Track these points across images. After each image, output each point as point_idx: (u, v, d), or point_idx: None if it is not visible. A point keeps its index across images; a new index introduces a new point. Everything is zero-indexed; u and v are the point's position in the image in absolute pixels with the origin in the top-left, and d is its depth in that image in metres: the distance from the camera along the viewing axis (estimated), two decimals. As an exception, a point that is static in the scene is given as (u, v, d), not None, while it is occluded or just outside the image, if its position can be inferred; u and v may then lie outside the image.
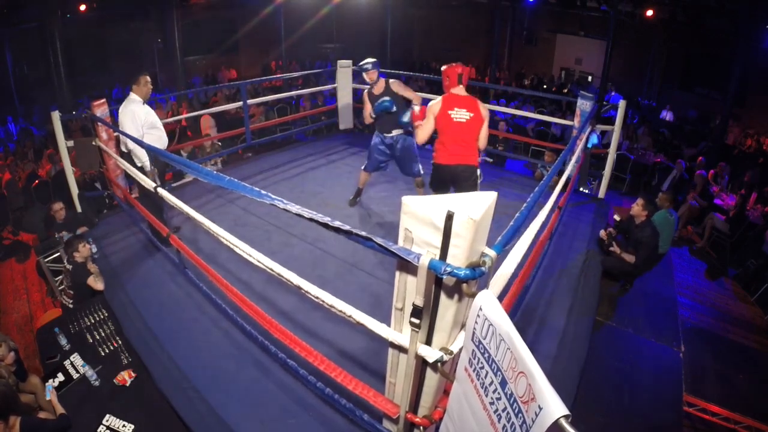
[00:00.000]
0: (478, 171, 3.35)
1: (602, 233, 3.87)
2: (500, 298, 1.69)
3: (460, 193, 3.13)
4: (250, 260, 2.05)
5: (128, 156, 3.51)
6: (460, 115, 3.12)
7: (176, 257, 3.25)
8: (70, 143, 4.24)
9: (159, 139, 3.59)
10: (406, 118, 3.68)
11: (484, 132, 3.21)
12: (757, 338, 4.26)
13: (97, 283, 3.22)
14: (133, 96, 3.48)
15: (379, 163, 4.22)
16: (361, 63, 3.97)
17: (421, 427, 1.67)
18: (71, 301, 3.39)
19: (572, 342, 2.80)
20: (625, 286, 3.87)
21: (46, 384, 2.52)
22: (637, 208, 3.72)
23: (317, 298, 1.71)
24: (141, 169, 3.41)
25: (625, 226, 3.87)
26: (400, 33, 13.27)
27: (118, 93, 11.27)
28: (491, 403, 1.22)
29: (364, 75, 3.98)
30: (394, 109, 3.79)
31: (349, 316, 1.63)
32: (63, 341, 2.86)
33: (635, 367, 3.12)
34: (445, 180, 3.36)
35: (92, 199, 4.77)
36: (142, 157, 3.44)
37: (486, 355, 1.24)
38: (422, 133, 3.27)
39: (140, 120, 3.41)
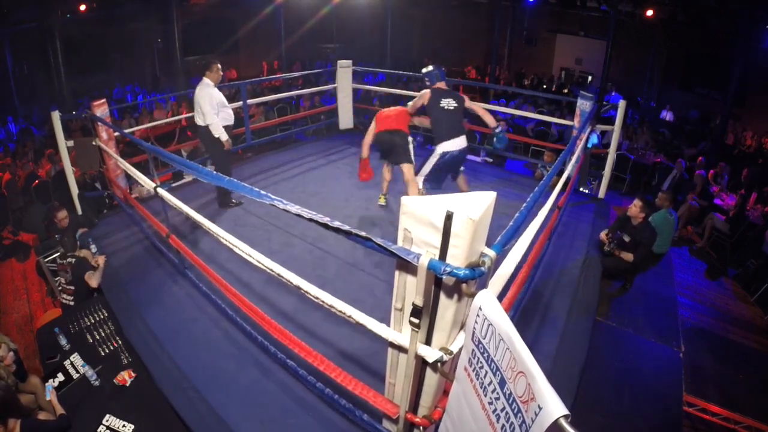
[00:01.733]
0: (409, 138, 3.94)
1: (602, 235, 3.86)
2: (500, 297, 1.69)
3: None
4: (250, 260, 2.05)
5: (206, 129, 4.09)
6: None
7: (176, 257, 3.25)
8: (70, 143, 4.24)
9: (229, 116, 4.25)
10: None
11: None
12: (757, 338, 4.25)
13: (92, 279, 3.22)
14: (206, 81, 4.05)
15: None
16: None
17: (421, 427, 1.67)
18: (71, 298, 3.39)
19: (572, 342, 2.80)
20: (625, 285, 3.87)
21: (46, 384, 2.52)
22: (635, 209, 3.69)
23: (317, 298, 1.71)
24: (218, 140, 4.10)
25: (620, 226, 3.85)
26: (400, 33, 13.26)
27: (118, 93, 11.27)
28: (490, 403, 1.22)
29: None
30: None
31: (349, 317, 1.63)
32: (63, 341, 2.86)
33: (635, 367, 3.12)
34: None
35: (92, 199, 4.76)
36: (219, 129, 4.07)
37: (485, 354, 1.24)
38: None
39: (215, 100, 4.05)
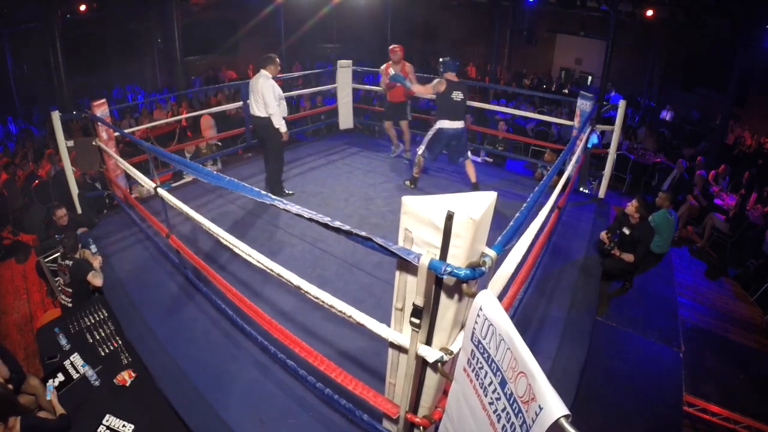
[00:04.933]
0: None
1: (602, 235, 3.85)
2: (500, 298, 1.69)
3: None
4: (250, 260, 2.05)
5: (266, 120, 4.27)
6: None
7: (176, 257, 3.25)
8: (70, 143, 4.24)
9: (284, 108, 4.45)
10: None
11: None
12: (757, 338, 4.25)
13: (95, 278, 3.22)
14: (265, 73, 4.20)
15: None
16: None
17: (421, 427, 1.67)
18: (69, 300, 3.39)
19: (572, 342, 2.80)
20: (625, 285, 3.87)
21: (47, 384, 2.51)
22: (631, 208, 3.68)
23: (317, 298, 1.71)
24: (277, 131, 4.31)
25: (618, 225, 3.84)
26: (400, 33, 13.23)
27: (118, 93, 11.27)
28: (490, 403, 1.22)
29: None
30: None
31: (349, 317, 1.63)
32: (63, 341, 2.86)
33: (635, 367, 3.12)
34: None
35: (92, 199, 4.76)
36: (280, 120, 4.27)
37: (485, 355, 1.24)
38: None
39: (277, 92, 4.22)
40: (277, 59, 4.30)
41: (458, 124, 4.39)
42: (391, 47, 5.21)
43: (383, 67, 5.32)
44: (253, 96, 4.27)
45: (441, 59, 4.41)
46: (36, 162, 7.12)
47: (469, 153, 4.59)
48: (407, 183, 4.89)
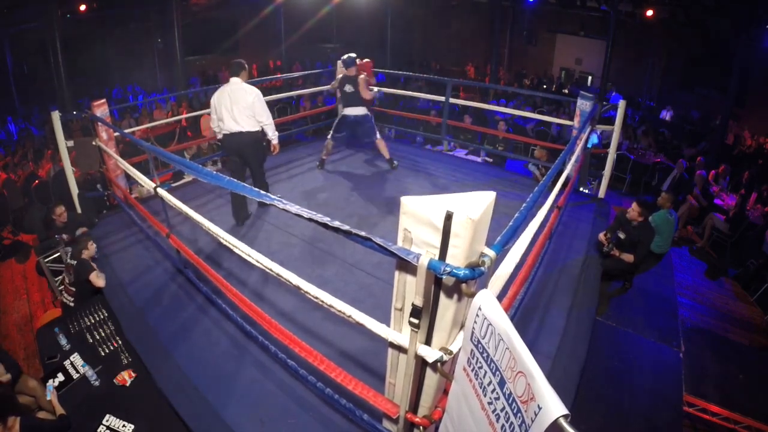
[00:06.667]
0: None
1: (601, 236, 3.85)
2: (500, 298, 1.69)
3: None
4: (249, 260, 2.05)
5: (255, 134, 3.92)
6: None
7: (176, 257, 3.25)
8: (70, 143, 4.24)
9: None
10: None
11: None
12: (757, 338, 4.26)
13: (98, 279, 3.23)
14: (238, 80, 3.85)
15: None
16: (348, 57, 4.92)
17: (421, 427, 1.67)
18: (72, 299, 3.39)
19: (572, 342, 2.79)
20: (625, 285, 3.87)
21: (47, 384, 2.52)
22: (634, 213, 3.67)
23: (317, 298, 1.71)
24: (269, 142, 4.05)
25: (618, 226, 3.83)
26: (400, 33, 13.24)
27: (118, 93, 11.27)
28: (489, 403, 1.22)
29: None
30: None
31: (349, 316, 1.63)
32: (63, 341, 2.86)
33: (635, 367, 3.12)
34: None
35: (92, 199, 4.76)
36: (274, 129, 4.02)
37: (485, 354, 1.24)
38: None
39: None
40: (246, 65, 3.95)
41: (357, 111, 4.95)
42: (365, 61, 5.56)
43: (363, 76, 5.11)
44: (235, 108, 3.74)
45: (345, 56, 4.93)
46: (36, 162, 7.13)
47: (377, 134, 5.10)
48: (317, 165, 5.50)
